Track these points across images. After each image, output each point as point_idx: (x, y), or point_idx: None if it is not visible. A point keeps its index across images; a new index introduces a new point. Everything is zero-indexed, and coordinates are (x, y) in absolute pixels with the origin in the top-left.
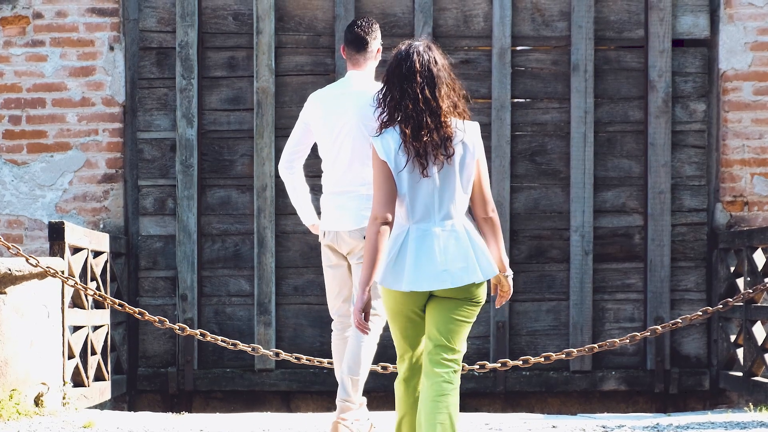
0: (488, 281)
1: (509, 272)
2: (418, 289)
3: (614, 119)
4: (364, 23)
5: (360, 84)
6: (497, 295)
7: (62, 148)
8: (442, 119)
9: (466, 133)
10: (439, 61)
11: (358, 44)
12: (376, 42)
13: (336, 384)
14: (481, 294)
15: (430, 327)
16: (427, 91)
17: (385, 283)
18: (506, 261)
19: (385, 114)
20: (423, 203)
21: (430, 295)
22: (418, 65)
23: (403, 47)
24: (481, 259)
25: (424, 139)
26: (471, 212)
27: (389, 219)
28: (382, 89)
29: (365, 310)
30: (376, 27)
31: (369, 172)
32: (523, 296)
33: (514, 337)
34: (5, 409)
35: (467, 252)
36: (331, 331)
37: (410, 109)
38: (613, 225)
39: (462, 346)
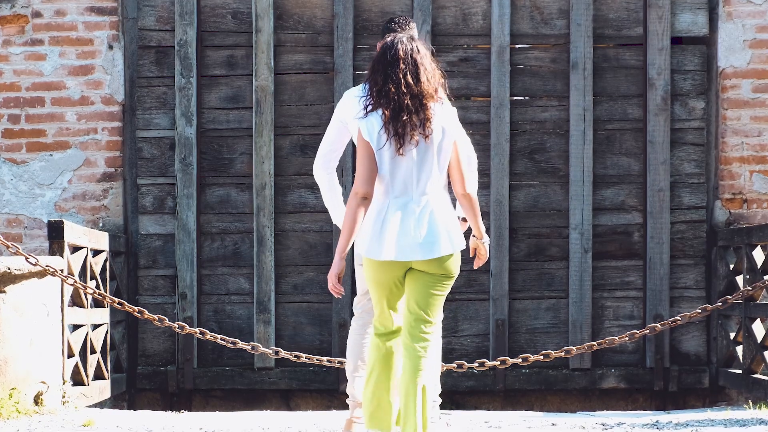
0: (464, 253)
1: (486, 239)
2: (396, 259)
3: (613, 117)
4: (401, 20)
5: None
6: (475, 257)
7: (61, 146)
8: (423, 102)
9: (444, 116)
10: (422, 50)
11: None
12: None
13: (335, 382)
14: (454, 267)
15: (409, 301)
16: (409, 76)
17: (368, 253)
18: (483, 230)
19: (369, 98)
20: (402, 180)
21: (410, 268)
22: (401, 53)
23: (388, 39)
24: (451, 234)
25: (404, 119)
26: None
27: (369, 195)
28: (368, 77)
29: (339, 275)
30: (413, 24)
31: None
32: (523, 294)
33: (514, 335)
34: (5, 407)
35: (440, 227)
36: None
37: (392, 92)
38: (612, 223)
39: (438, 317)
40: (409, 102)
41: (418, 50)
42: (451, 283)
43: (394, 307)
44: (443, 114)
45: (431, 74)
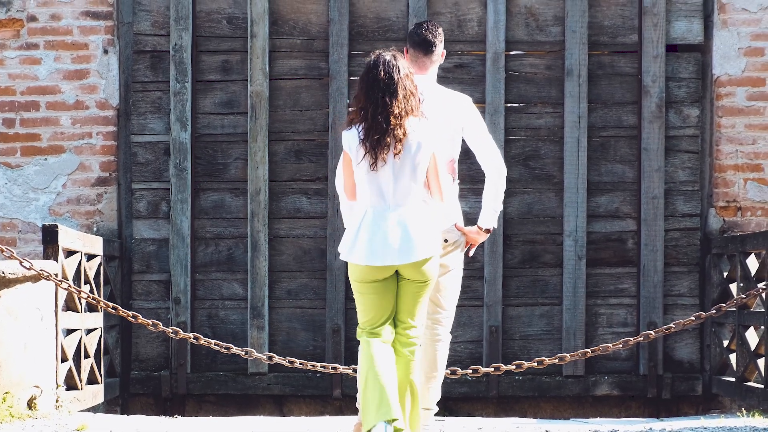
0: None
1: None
2: (368, 263)
3: (608, 124)
4: (430, 26)
5: (426, 89)
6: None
7: (56, 151)
8: (398, 122)
9: (421, 132)
10: (402, 69)
11: (425, 47)
12: (441, 45)
13: (329, 387)
14: (431, 272)
15: (397, 311)
16: (387, 98)
17: (344, 256)
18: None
19: (353, 113)
20: (379, 191)
21: (395, 276)
22: (382, 74)
23: (372, 57)
24: (426, 241)
25: (382, 138)
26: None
27: (352, 198)
28: (356, 91)
29: None
30: (441, 30)
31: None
32: (516, 301)
33: (507, 341)
34: None
35: (414, 234)
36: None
37: (371, 112)
38: (606, 230)
39: (422, 321)
40: (386, 122)
41: (399, 70)
42: (430, 286)
43: (377, 313)
44: (421, 129)
45: (410, 93)
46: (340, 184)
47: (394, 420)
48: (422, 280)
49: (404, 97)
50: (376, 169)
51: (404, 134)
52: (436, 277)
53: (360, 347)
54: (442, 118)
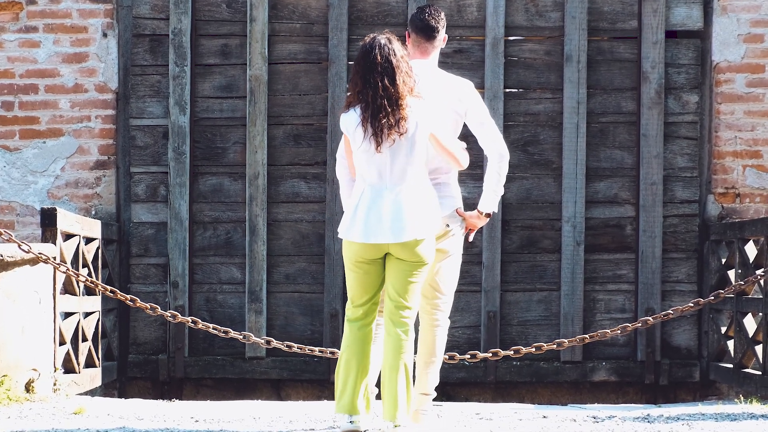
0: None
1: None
2: (363, 241)
3: (607, 110)
4: (433, 11)
5: (427, 74)
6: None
7: (55, 134)
8: (399, 102)
9: (418, 112)
10: (398, 52)
11: (428, 32)
12: (443, 30)
13: (326, 372)
14: (425, 253)
15: (388, 288)
16: (386, 81)
17: (341, 233)
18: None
19: (351, 96)
20: (377, 171)
21: (387, 255)
22: (379, 58)
23: (367, 40)
24: (422, 221)
25: (382, 121)
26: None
27: (353, 177)
28: (351, 75)
29: None
30: (443, 15)
31: (444, 158)
32: (515, 286)
33: (505, 327)
34: None
35: (409, 213)
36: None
37: (371, 96)
38: (604, 216)
39: (415, 302)
40: (386, 103)
41: (395, 53)
42: (425, 269)
43: (366, 292)
44: (418, 109)
45: (407, 74)
46: (341, 169)
47: (354, 415)
48: (415, 260)
49: (403, 79)
50: (381, 151)
51: (405, 115)
52: (431, 260)
53: (344, 327)
54: (445, 102)
